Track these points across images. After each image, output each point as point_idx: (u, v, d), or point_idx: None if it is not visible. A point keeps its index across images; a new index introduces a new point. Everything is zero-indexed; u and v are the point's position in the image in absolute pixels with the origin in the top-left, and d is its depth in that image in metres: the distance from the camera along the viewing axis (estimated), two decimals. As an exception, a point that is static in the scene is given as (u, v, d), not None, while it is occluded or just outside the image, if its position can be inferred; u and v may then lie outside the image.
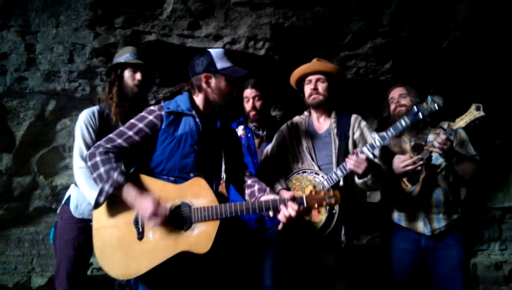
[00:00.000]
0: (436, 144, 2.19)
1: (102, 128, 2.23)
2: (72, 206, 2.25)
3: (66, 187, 2.52)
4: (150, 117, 1.83)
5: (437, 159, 2.37)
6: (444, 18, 2.79)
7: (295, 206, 1.74)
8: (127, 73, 2.34)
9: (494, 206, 4.21)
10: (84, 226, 2.25)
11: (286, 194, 1.84)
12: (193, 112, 1.88)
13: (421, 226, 2.37)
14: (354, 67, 3.11)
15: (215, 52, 1.92)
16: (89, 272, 3.44)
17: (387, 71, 3.13)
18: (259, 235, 2.55)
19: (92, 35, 2.63)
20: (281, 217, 1.75)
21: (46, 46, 2.67)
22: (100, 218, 1.75)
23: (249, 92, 2.65)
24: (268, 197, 1.84)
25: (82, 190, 2.14)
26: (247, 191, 1.99)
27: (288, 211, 1.73)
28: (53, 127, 3.08)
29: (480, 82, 3.35)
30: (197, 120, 1.88)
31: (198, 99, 1.96)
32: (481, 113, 2.16)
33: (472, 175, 2.38)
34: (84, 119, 2.20)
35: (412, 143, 2.44)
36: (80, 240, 2.24)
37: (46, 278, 3.29)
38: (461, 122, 2.22)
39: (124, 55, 2.37)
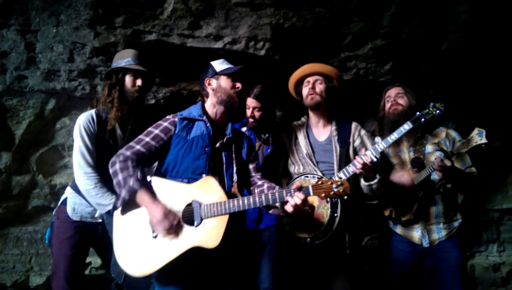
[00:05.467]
0: (436, 166, 2.17)
1: (100, 131, 2.25)
2: (69, 209, 2.26)
3: (65, 186, 2.52)
4: (165, 124, 1.99)
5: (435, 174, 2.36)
6: (444, 20, 2.79)
7: (301, 195, 1.78)
8: (128, 78, 2.37)
9: (493, 207, 4.22)
10: (81, 226, 2.26)
11: (292, 186, 1.86)
12: (204, 118, 2.02)
13: (416, 237, 2.38)
14: (354, 68, 3.11)
15: (215, 61, 2.13)
16: (87, 272, 3.44)
17: (387, 72, 3.13)
18: (254, 237, 2.54)
19: (93, 34, 2.62)
20: (288, 207, 1.80)
21: (46, 45, 2.66)
22: (119, 220, 1.86)
23: (250, 102, 2.64)
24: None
25: (88, 196, 2.16)
26: (257, 191, 2.04)
27: (294, 200, 1.77)
28: (52, 126, 3.07)
29: (480, 84, 3.35)
30: (208, 125, 2.01)
31: (208, 105, 2.10)
32: (483, 140, 2.12)
33: (469, 190, 2.41)
34: (83, 123, 2.20)
35: (412, 155, 2.43)
36: (76, 239, 2.25)
37: (45, 277, 3.28)
38: (462, 147, 2.19)
39: (126, 58, 2.38)
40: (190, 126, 2.00)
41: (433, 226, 2.36)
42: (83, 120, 2.22)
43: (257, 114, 2.62)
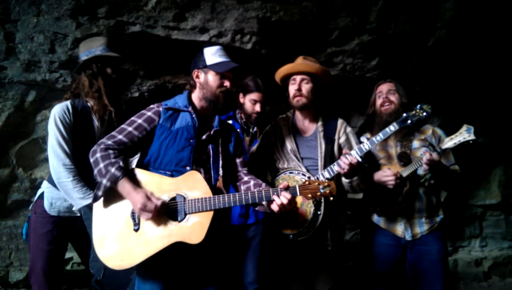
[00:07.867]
0: (424, 160, 2.20)
1: (76, 122, 2.19)
2: (46, 204, 2.22)
3: (46, 180, 2.46)
4: (149, 113, 1.91)
5: (421, 169, 2.38)
6: (430, 16, 2.80)
7: (288, 195, 1.76)
8: (108, 66, 2.33)
9: (476, 203, 4.29)
10: (58, 221, 2.23)
11: (279, 185, 1.83)
12: (190, 109, 1.95)
13: (399, 231, 2.40)
14: (341, 64, 3.10)
15: (209, 48, 1.99)
16: (69, 267, 3.40)
17: (373, 68, 3.13)
18: (239, 232, 2.54)
19: (75, 25, 2.56)
20: (274, 206, 1.79)
21: (26, 35, 2.59)
22: (100, 211, 1.80)
23: (258, 96, 2.60)
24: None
25: (64, 189, 2.11)
26: (243, 187, 2.00)
27: (280, 200, 1.76)
28: (33, 118, 3.01)
29: (465, 80, 3.38)
30: (194, 116, 1.93)
31: (195, 96, 2.02)
32: (472, 137, 2.18)
33: (452, 187, 2.47)
34: (59, 114, 2.15)
35: (398, 150, 2.45)
36: (54, 234, 2.21)
37: (25, 273, 3.24)
38: (450, 142, 2.24)
39: (100, 47, 2.35)
40: (174, 117, 1.92)
41: (415, 220, 2.39)
42: (58, 110, 2.16)
43: (260, 107, 2.61)
